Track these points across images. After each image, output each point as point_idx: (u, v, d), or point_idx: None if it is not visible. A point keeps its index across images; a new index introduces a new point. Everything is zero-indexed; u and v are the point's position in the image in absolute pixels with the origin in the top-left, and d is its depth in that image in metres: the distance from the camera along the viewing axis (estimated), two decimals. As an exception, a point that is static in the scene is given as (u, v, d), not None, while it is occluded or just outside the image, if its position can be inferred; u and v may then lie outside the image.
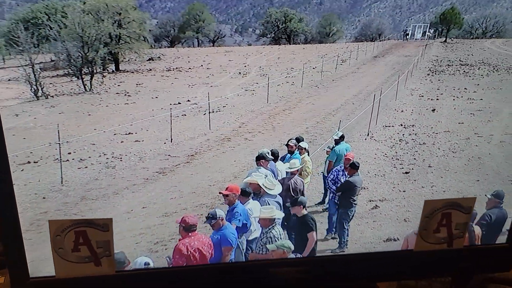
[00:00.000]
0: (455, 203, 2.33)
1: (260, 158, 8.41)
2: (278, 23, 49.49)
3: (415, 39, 43.81)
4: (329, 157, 9.81)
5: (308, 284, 2.54)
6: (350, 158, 8.59)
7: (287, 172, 8.50)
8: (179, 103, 19.97)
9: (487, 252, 2.80)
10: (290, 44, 44.23)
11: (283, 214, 6.86)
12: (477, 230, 5.56)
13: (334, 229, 8.68)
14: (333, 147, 9.98)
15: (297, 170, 8.35)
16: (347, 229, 8.35)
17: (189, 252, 5.33)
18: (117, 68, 33.34)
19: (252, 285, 2.52)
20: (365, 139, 13.90)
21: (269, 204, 6.91)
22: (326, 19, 52.20)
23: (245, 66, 33.73)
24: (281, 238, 6.02)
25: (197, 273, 2.55)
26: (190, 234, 5.56)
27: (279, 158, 9.17)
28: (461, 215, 2.40)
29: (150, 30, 39.44)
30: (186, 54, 38.96)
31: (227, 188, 6.87)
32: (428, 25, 45.54)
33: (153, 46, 42.54)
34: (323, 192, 10.13)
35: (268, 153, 8.60)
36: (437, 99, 18.98)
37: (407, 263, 2.59)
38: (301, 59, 33.44)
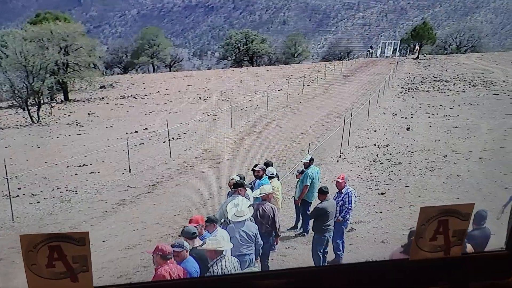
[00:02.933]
0: (452, 210, 2.47)
1: (238, 186, 8.49)
2: (239, 44, 50.18)
3: (386, 56, 44.93)
4: (304, 181, 9.98)
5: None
6: (339, 180, 8.90)
7: (255, 198, 8.62)
8: (136, 131, 20.25)
9: (485, 259, 2.94)
10: (253, 66, 44.83)
11: (231, 245, 6.67)
12: (469, 248, 5.75)
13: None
14: (303, 170, 10.19)
15: (268, 196, 8.45)
16: (322, 257, 8.55)
17: (171, 278, 5.50)
18: (66, 98, 33.42)
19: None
20: (337, 161, 14.26)
21: (242, 233, 7.04)
22: (290, 39, 53.21)
23: (205, 91, 34.10)
24: (230, 270, 6.06)
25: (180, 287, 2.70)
26: (168, 261, 5.71)
27: (249, 183, 9.32)
28: (459, 222, 2.52)
29: (100, 57, 39.77)
30: (141, 81, 39.23)
31: (191, 220, 6.97)
32: (399, 41, 46.79)
33: (104, 73, 42.71)
34: (295, 217, 10.32)
35: (244, 180, 8.81)
36: (412, 117, 19.62)
37: (403, 272, 2.73)
38: (265, 81, 33.97)
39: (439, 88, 27.37)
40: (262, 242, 7.36)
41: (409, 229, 6.85)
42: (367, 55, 45.29)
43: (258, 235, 7.32)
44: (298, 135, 17.66)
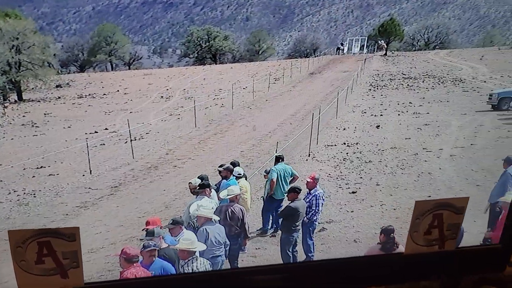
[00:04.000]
0: (446, 204, 2.55)
1: (205, 187, 8.49)
2: (201, 42, 50.06)
3: (353, 53, 45.44)
4: (270, 177, 10.10)
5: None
6: (309, 180, 9.00)
7: (222, 199, 8.63)
8: (95, 132, 20.08)
9: (479, 253, 3.04)
10: (216, 63, 44.83)
11: (205, 247, 6.70)
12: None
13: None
14: (270, 170, 10.32)
15: (237, 197, 8.47)
16: (291, 256, 8.66)
17: None
18: (20, 98, 32.92)
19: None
20: (307, 160, 14.42)
21: (216, 235, 7.05)
22: (254, 35, 53.25)
23: (167, 90, 33.98)
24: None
25: (176, 283, 2.74)
26: (134, 264, 5.68)
27: (215, 185, 9.36)
28: (453, 215, 2.60)
29: (55, 55, 39.19)
30: (99, 79, 38.88)
31: (148, 223, 6.95)
32: (366, 38, 47.34)
33: (60, 72, 42.10)
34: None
35: (207, 180, 8.83)
36: (381, 115, 19.93)
37: (397, 267, 2.81)
38: (229, 80, 34.02)
39: (408, 85, 27.84)
40: (228, 242, 7.42)
41: (382, 228, 7.01)
42: (337, 52, 45.68)
43: (225, 235, 7.39)
44: (265, 134, 17.79)
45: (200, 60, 45.82)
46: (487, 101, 20.71)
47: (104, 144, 17.62)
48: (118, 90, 32.94)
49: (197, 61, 46.23)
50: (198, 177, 9.05)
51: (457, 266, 2.78)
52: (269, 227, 10.13)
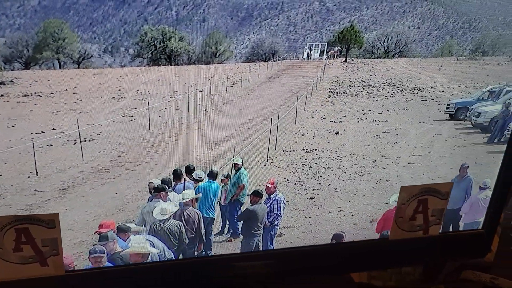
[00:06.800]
0: (431, 189, 2.66)
1: (159, 191, 8.52)
2: (155, 42, 49.50)
3: (313, 59, 45.77)
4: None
5: (278, 278, 2.82)
6: (269, 185, 9.18)
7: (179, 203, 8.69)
8: (42, 132, 19.72)
9: (462, 239, 3.15)
10: (171, 65, 44.44)
11: (158, 250, 6.69)
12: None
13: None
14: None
15: (192, 201, 8.56)
16: None
17: None
18: (-40, 94, 32.13)
19: (216, 280, 2.75)
20: (264, 165, 14.53)
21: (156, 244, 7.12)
22: (211, 37, 52.95)
23: (119, 90, 33.50)
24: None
25: (154, 270, 2.79)
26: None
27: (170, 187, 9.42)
28: (438, 201, 2.70)
29: (-3, 50, 38.26)
30: (46, 77, 38.11)
31: (101, 226, 6.92)
32: (326, 44, 47.78)
33: (3, 68, 41.22)
34: (221, 221, 10.52)
35: (165, 184, 8.90)
36: (341, 122, 20.13)
37: (382, 252, 2.92)
38: (185, 82, 33.80)
39: (367, 92, 28.13)
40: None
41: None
42: (308, 57, 45.77)
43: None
44: (222, 138, 17.78)
45: (155, 61, 45.27)
46: (445, 111, 21.20)
47: (51, 145, 17.35)
48: (66, 89, 32.34)
49: (151, 61, 45.66)
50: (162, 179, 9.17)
51: (441, 251, 2.91)
52: (226, 231, 10.28)
